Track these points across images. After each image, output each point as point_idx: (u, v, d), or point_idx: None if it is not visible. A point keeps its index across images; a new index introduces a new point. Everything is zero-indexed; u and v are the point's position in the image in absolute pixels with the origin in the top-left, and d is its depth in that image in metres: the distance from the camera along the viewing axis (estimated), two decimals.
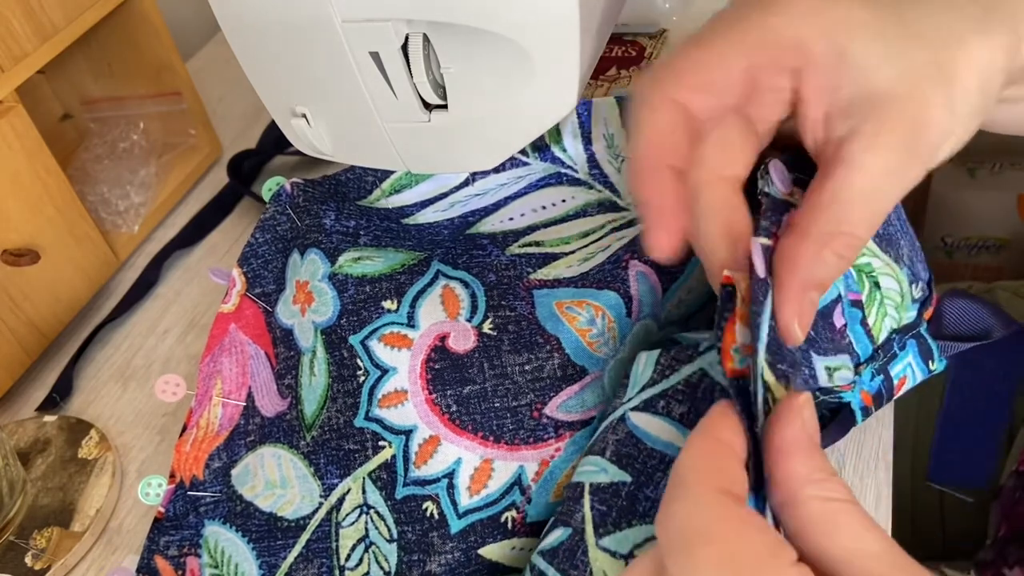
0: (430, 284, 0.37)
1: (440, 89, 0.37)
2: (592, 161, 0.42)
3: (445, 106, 0.38)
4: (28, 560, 0.39)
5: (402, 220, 0.43)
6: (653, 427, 0.30)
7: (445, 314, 0.36)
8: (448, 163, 0.40)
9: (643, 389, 0.31)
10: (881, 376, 0.33)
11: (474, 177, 0.43)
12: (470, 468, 0.34)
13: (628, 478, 0.29)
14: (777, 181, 0.28)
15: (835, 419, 0.32)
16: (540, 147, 0.43)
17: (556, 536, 0.30)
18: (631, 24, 0.60)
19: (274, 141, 0.61)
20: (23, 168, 0.45)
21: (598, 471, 0.30)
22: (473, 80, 0.36)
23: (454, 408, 0.35)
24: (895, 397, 0.34)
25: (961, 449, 0.37)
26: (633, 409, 0.31)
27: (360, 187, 0.43)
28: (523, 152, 0.42)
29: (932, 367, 0.34)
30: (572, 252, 0.38)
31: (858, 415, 0.33)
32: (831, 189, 0.26)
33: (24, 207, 0.46)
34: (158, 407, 0.46)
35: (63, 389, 0.47)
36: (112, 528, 0.41)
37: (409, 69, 0.36)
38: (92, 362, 0.50)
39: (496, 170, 0.42)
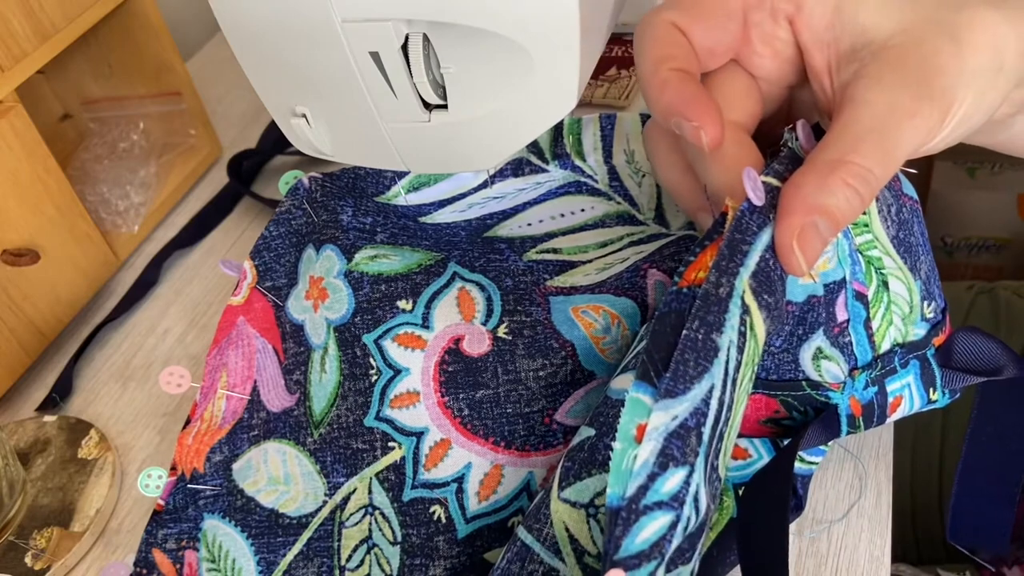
0: (446, 285, 0.37)
1: (440, 89, 0.37)
2: (613, 174, 0.42)
3: (445, 106, 0.38)
4: (28, 560, 0.39)
5: (419, 219, 0.43)
6: (621, 382, 0.30)
7: (460, 316, 0.36)
8: (448, 163, 0.40)
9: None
10: (876, 388, 0.32)
11: (493, 179, 0.42)
12: (480, 473, 0.34)
13: (593, 432, 0.29)
14: (802, 137, 0.28)
15: (818, 417, 0.32)
16: (560, 155, 0.42)
17: (534, 502, 0.30)
18: (631, 24, 0.60)
19: (274, 141, 0.61)
20: (23, 168, 0.45)
21: (577, 438, 0.30)
22: (473, 80, 0.36)
23: (466, 412, 0.35)
24: (889, 420, 0.34)
25: (978, 513, 0.36)
26: (614, 376, 0.31)
27: (379, 182, 0.43)
28: (543, 159, 0.42)
29: (933, 397, 0.34)
30: (589, 261, 0.38)
31: (843, 422, 0.32)
32: (838, 125, 0.25)
33: (24, 207, 0.46)
34: (158, 407, 0.46)
35: (63, 389, 0.47)
36: (112, 528, 0.41)
37: (409, 69, 0.36)
38: (92, 362, 0.50)
39: (515, 174, 0.42)
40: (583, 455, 0.29)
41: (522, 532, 0.29)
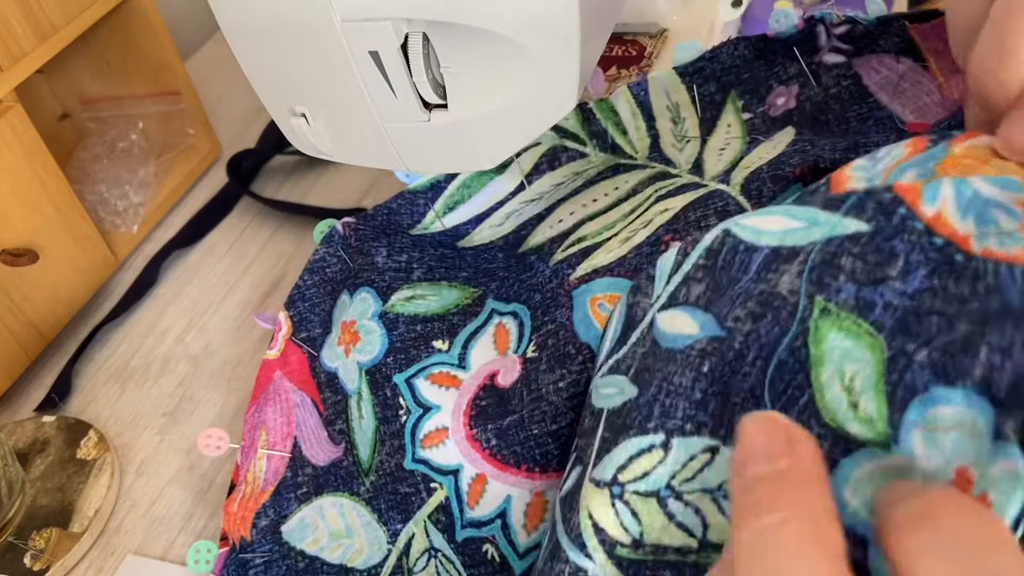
0: (484, 324, 0.36)
1: (440, 89, 0.37)
2: (655, 145, 0.40)
3: (445, 106, 0.38)
4: (27, 561, 0.39)
5: (457, 243, 0.41)
6: (669, 323, 0.27)
7: (496, 352, 0.35)
8: (448, 163, 0.40)
9: (668, 280, 0.28)
10: None
11: (529, 180, 0.41)
12: (522, 504, 0.32)
13: (636, 391, 0.27)
14: None
15: None
16: (598, 133, 0.40)
17: (572, 479, 0.28)
18: (631, 24, 0.60)
19: (273, 141, 0.60)
20: (22, 168, 0.45)
21: (616, 393, 0.28)
22: (473, 80, 0.36)
23: (494, 442, 0.33)
24: None
25: None
26: (660, 309, 0.28)
27: (412, 212, 0.42)
28: (580, 142, 0.41)
29: None
30: (615, 235, 0.36)
31: None
32: None
33: (23, 207, 0.46)
34: (157, 407, 0.46)
35: (62, 389, 0.47)
36: (111, 529, 0.41)
37: (409, 69, 0.36)
38: (91, 362, 0.50)
39: (551, 167, 0.41)
40: (619, 421, 0.26)
41: (559, 523, 0.27)
